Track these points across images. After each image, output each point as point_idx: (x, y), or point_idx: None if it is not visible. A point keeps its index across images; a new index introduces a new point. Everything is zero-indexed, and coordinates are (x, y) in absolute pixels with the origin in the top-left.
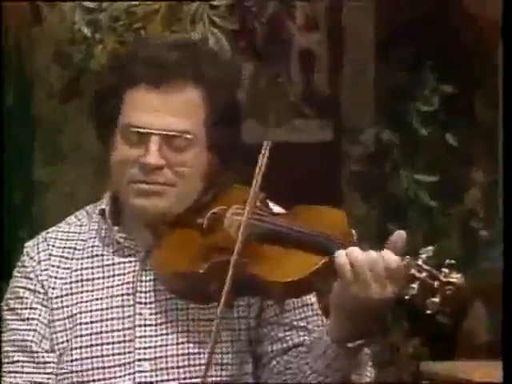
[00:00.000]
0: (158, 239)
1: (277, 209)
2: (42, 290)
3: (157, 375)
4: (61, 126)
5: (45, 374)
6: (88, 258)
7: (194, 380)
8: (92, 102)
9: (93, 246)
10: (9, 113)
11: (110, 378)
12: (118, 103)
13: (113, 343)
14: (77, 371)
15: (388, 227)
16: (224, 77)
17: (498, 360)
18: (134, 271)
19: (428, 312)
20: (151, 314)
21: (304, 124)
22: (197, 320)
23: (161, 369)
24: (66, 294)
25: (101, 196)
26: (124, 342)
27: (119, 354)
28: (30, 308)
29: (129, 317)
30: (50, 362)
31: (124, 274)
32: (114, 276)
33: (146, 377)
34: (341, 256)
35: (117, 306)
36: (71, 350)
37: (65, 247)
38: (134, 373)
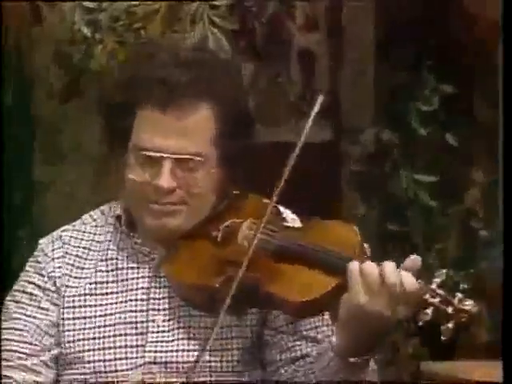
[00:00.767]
0: (173, 249)
1: (291, 216)
2: (52, 288)
3: (166, 380)
4: (61, 126)
5: (38, 371)
6: (102, 260)
7: None
8: (105, 116)
9: (107, 249)
10: (9, 113)
11: (121, 381)
12: (130, 122)
13: (125, 347)
14: (90, 373)
15: (388, 227)
16: (234, 88)
17: (498, 360)
18: (148, 277)
19: (443, 338)
20: (164, 321)
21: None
22: (209, 328)
23: (171, 374)
24: (79, 295)
25: (100, 196)
26: (136, 346)
27: (131, 358)
28: (38, 307)
29: (141, 322)
30: (47, 360)
31: (138, 279)
32: (127, 280)
33: (154, 380)
34: (353, 265)
35: (130, 311)
36: (83, 352)
37: (79, 246)
38: (143, 374)
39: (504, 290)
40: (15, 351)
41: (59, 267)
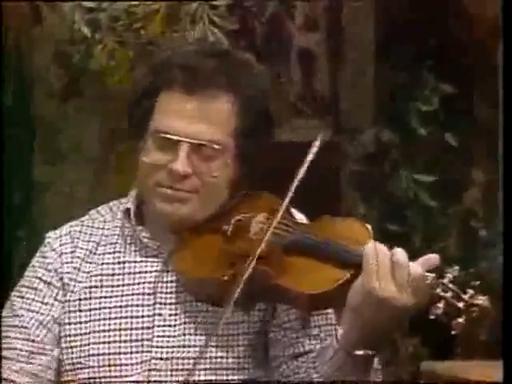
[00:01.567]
0: (182, 243)
1: (299, 216)
2: (58, 284)
3: (172, 375)
4: (61, 126)
5: (39, 365)
6: (109, 253)
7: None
8: (129, 100)
9: (115, 243)
10: (9, 113)
11: (126, 376)
12: (151, 106)
13: (130, 341)
14: (93, 366)
15: (388, 227)
16: (257, 86)
17: (497, 360)
18: (155, 271)
19: (453, 332)
20: (171, 315)
21: (304, 124)
22: (216, 323)
23: (176, 370)
24: (86, 287)
25: (100, 196)
26: (142, 340)
27: (136, 352)
28: (42, 302)
29: (148, 316)
30: (48, 355)
31: (145, 273)
32: (134, 273)
33: (160, 376)
34: (370, 247)
35: (136, 305)
36: (88, 344)
37: (89, 241)
38: (148, 370)
39: (504, 290)
40: (20, 349)
41: (67, 262)
